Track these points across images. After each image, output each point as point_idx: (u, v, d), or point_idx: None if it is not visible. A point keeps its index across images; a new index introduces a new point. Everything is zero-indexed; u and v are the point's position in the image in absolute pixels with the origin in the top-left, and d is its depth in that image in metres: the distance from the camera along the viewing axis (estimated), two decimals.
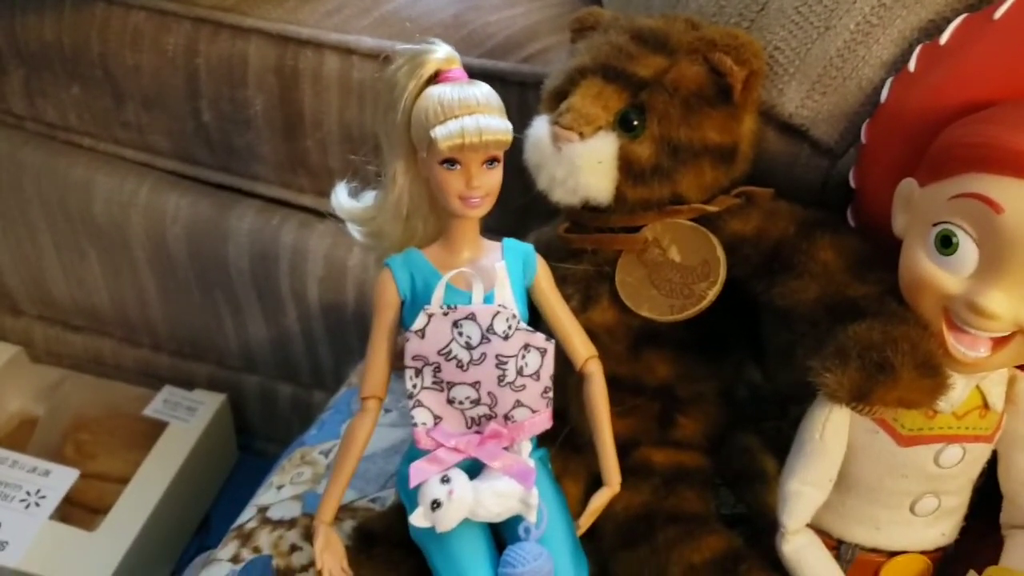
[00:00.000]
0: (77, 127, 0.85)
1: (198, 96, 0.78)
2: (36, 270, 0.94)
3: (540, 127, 0.50)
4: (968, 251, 0.40)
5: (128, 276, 0.89)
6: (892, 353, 0.38)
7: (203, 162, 0.83)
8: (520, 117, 0.61)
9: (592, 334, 0.50)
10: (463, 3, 0.75)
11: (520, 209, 0.53)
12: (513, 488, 0.43)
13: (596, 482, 0.49)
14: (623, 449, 0.50)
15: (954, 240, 0.40)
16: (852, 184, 0.50)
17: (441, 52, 0.44)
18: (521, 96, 0.71)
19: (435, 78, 0.44)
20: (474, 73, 0.72)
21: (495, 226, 0.69)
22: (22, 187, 0.89)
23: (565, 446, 0.51)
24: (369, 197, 0.49)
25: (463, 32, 0.73)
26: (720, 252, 0.48)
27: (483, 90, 0.43)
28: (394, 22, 0.74)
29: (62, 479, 0.84)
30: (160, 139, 0.83)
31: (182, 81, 0.78)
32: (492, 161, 0.43)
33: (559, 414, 0.51)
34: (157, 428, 0.92)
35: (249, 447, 1.01)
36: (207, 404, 0.95)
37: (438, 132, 0.42)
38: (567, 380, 0.50)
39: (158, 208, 0.84)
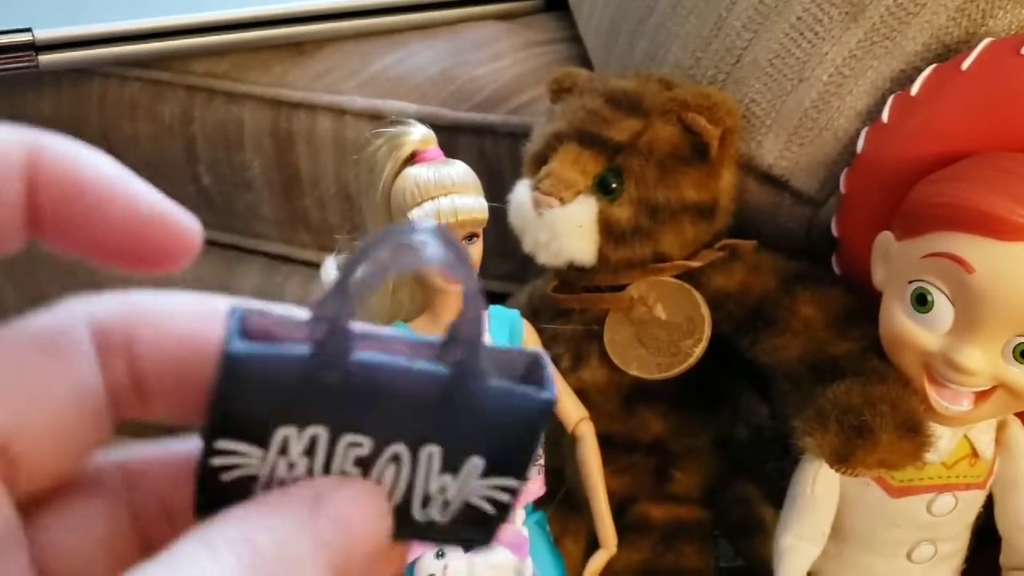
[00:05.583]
0: None
1: (197, 161, 0.79)
2: None
3: (522, 192, 0.51)
4: (943, 309, 0.40)
5: None
6: (871, 416, 0.39)
7: (206, 223, 0.84)
8: (512, 167, 0.62)
9: (583, 393, 0.50)
10: (449, 59, 0.76)
11: (522, 257, 0.53)
12: (507, 559, 0.44)
13: (597, 540, 0.49)
14: (620, 506, 0.51)
15: (929, 298, 0.40)
16: (834, 233, 0.50)
17: (417, 133, 0.45)
18: (512, 147, 0.72)
19: (412, 159, 0.45)
20: (464, 127, 0.74)
21: (498, 272, 0.69)
22: (32, 256, 0.91)
23: (564, 505, 0.52)
24: None
25: (451, 87, 0.73)
26: (704, 309, 0.49)
27: (459, 170, 0.44)
28: (383, 81, 0.75)
29: None
30: None
31: (180, 147, 0.79)
32: (471, 237, 0.44)
33: (556, 473, 0.52)
34: None
35: None
36: None
37: (415, 215, 0.43)
38: (562, 440, 0.51)
39: (164, 273, 0.85)
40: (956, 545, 0.48)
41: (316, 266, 0.85)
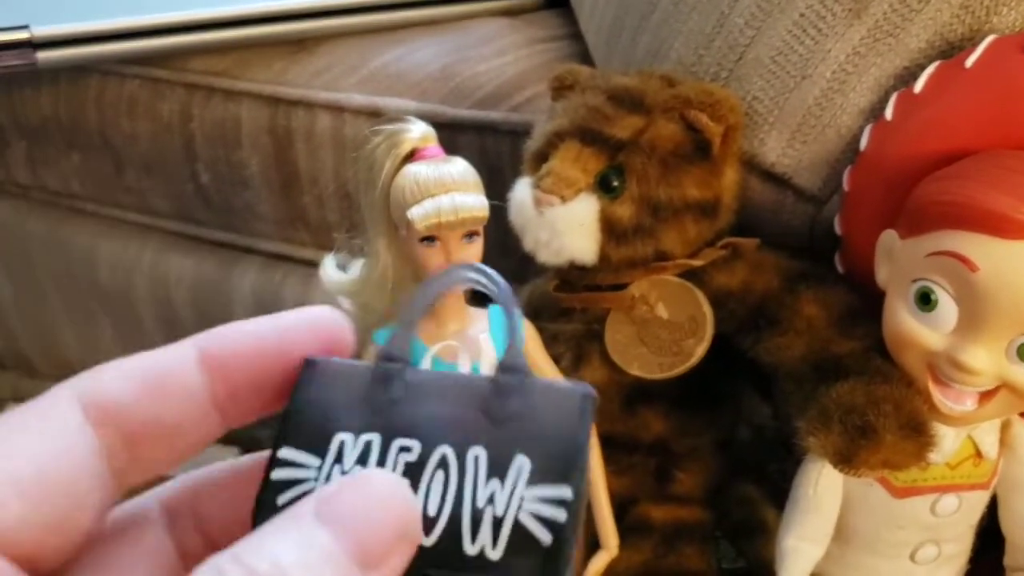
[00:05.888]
0: (80, 194, 0.87)
1: (195, 159, 0.79)
2: (50, 334, 0.96)
3: (522, 190, 0.51)
4: (947, 308, 0.40)
5: (138, 338, 0.90)
6: (874, 416, 0.38)
7: (204, 222, 0.84)
8: (513, 165, 0.61)
9: None
10: (450, 55, 0.75)
11: (522, 255, 0.53)
12: None
13: (598, 541, 0.49)
14: (621, 507, 0.50)
15: (933, 297, 0.40)
16: (837, 231, 0.50)
17: (417, 130, 0.45)
18: (513, 145, 0.71)
19: (412, 156, 0.45)
20: (465, 124, 0.74)
21: (498, 271, 0.69)
22: (30, 255, 0.90)
23: None
24: (357, 268, 0.50)
25: (452, 84, 0.73)
26: (707, 308, 0.48)
27: (459, 167, 0.44)
28: (382, 78, 0.75)
29: None
30: (161, 202, 0.84)
31: (179, 145, 0.79)
32: (471, 236, 0.44)
33: None
34: None
35: None
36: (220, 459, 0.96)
37: (414, 212, 0.42)
38: None
39: (162, 271, 0.85)
40: (960, 546, 0.47)
41: (315, 265, 0.85)
